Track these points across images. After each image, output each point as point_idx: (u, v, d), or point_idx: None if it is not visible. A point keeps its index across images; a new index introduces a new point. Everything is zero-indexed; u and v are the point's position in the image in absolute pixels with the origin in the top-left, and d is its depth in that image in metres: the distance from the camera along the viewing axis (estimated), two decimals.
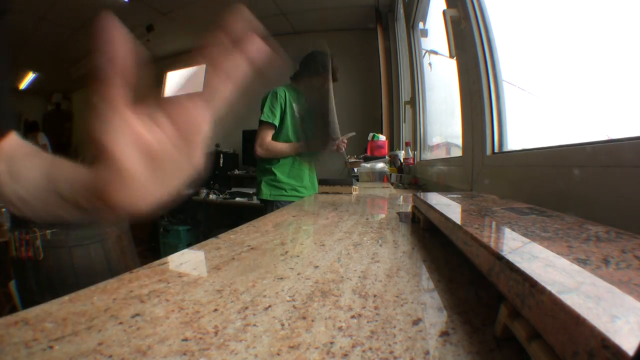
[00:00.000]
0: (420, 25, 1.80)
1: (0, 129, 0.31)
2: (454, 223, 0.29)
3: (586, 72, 0.58)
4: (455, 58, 1.01)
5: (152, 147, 0.21)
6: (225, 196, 3.14)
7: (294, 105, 1.67)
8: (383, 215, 0.62)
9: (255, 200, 2.71)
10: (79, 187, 0.26)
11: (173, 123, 0.22)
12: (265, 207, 1.69)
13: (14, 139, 0.33)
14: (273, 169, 1.55)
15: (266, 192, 1.59)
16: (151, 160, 0.21)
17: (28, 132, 4.14)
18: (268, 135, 1.57)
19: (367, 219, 0.57)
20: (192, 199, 3.25)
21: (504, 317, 0.17)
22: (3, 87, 0.34)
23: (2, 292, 1.66)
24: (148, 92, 0.23)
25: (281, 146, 1.60)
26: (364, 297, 0.24)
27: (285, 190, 1.58)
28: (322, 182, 1.24)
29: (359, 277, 0.28)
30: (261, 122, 1.57)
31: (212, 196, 3.15)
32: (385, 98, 2.83)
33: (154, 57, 4.24)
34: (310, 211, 0.68)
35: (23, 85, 4.54)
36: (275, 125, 1.60)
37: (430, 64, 1.74)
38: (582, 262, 0.17)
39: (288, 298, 0.24)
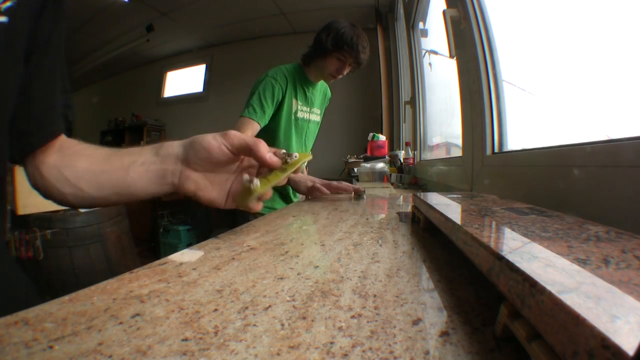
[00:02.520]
0: (420, 25, 1.80)
1: (53, 130, 0.38)
2: (454, 223, 0.29)
3: (586, 72, 0.58)
4: (455, 58, 1.01)
5: None
6: None
7: (295, 101, 1.22)
8: (383, 215, 0.62)
9: None
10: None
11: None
12: (235, 218, 1.21)
13: (65, 139, 0.41)
14: None
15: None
16: None
17: None
18: (248, 130, 1.09)
19: (367, 219, 0.57)
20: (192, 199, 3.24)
21: (504, 317, 0.17)
22: (54, 89, 0.40)
23: None
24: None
25: None
26: (364, 297, 0.24)
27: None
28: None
29: (359, 277, 0.28)
30: (241, 116, 1.09)
31: None
32: (385, 98, 2.83)
33: (154, 57, 4.25)
34: (310, 211, 0.68)
35: None
36: (259, 125, 1.11)
37: (430, 64, 1.74)
38: (582, 262, 0.17)
39: (288, 298, 0.24)
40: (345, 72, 1.19)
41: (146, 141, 4.05)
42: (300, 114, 1.25)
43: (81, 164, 0.39)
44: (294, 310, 0.22)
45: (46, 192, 0.39)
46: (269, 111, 1.12)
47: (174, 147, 0.40)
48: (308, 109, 1.29)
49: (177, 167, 0.39)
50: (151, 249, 3.18)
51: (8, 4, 0.31)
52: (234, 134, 0.39)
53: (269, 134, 1.17)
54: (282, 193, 1.27)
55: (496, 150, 0.81)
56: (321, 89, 1.35)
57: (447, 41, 0.98)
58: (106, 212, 1.55)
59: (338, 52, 1.13)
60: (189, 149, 0.39)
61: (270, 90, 1.11)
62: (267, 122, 1.13)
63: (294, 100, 1.21)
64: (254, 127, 1.09)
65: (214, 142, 0.38)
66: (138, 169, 0.39)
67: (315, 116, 1.35)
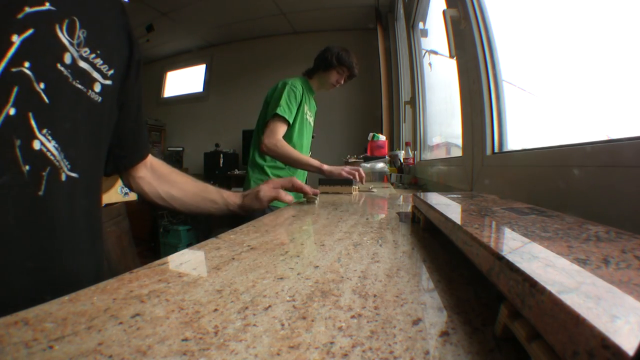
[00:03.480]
0: (420, 25, 1.79)
1: (140, 155, 0.58)
2: (454, 223, 0.29)
3: (586, 72, 0.58)
4: (455, 58, 1.01)
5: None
6: None
7: (306, 106, 1.46)
8: (383, 215, 0.62)
9: None
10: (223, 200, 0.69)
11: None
12: (252, 212, 1.41)
13: (153, 159, 0.63)
14: (266, 168, 1.37)
15: None
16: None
17: None
18: (281, 130, 1.31)
19: (367, 219, 0.57)
20: None
21: (504, 317, 0.17)
22: (141, 125, 0.58)
23: None
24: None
25: (294, 152, 1.32)
26: (364, 297, 0.24)
27: None
28: (322, 182, 1.19)
29: (359, 277, 0.28)
30: (275, 115, 1.30)
31: None
32: (385, 98, 2.83)
33: (154, 57, 4.25)
34: (310, 211, 0.68)
35: None
36: (290, 124, 1.35)
37: (430, 64, 1.74)
38: (582, 262, 0.17)
39: (288, 298, 0.24)
40: (342, 82, 1.52)
41: None
42: (307, 117, 1.51)
43: (174, 192, 0.64)
44: (294, 310, 0.22)
45: (139, 194, 0.61)
46: (294, 112, 1.38)
47: (236, 206, 0.70)
48: (310, 113, 1.56)
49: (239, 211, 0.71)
50: (151, 249, 3.18)
51: (112, 71, 0.43)
52: (265, 199, 0.70)
53: (292, 127, 1.40)
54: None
55: (496, 150, 0.81)
56: (313, 101, 1.64)
57: (447, 41, 0.98)
58: (106, 212, 1.55)
59: (339, 67, 1.46)
60: (243, 207, 0.71)
61: (293, 95, 1.37)
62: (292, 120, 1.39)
63: (305, 105, 1.47)
64: (285, 127, 1.34)
65: (256, 206, 0.70)
66: (216, 210, 0.69)
67: (312, 120, 1.62)
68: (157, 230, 3.19)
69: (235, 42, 3.91)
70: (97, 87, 0.40)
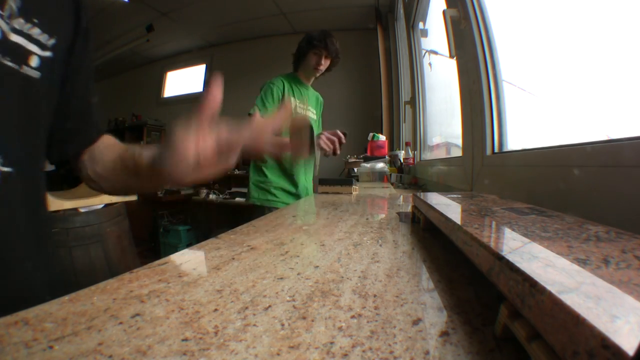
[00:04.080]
0: (420, 25, 1.79)
1: (95, 135, 0.49)
2: (454, 223, 0.29)
3: (586, 72, 0.58)
4: (455, 58, 1.01)
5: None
6: (225, 196, 3.14)
7: (292, 98, 1.47)
8: (383, 215, 0.62)
9: None
10: (144, 164, 0.41)
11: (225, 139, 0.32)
12: (252, 213, 1.43)
13: (106, 137, 0.51)
14: (264, 169, 1.37)
15: (255, 196, 1.38)
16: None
17: None
18: None
19: (367, 219, 0.57)
20: (192, 199, 3.25)
21: (504, 317, 0.17)
22: (89, 104, 0.49)
23: None
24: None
25: None
26: (364, 297, 0.24)
27: (276, 196, 1.38)
28: (322, 182, 1.18)
29: (359, 277, 0.28)
30: (249, 116, 1.29)
31: (212, 196, 3.15)
32: (385, 98, 2.83)
33: (154, 57, 4.25)
34: (310, 211, 0.68)
35: None
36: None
37: (430, 64, 1.74)
38: (582, 262, 0.17)
39: (288, 298, 0.24)
40: (324, 63, 1.46)
41: (146, 141, 4.05)
42: (299, 110, 1.49)
43: (99, 169, 0.48)
44: (294, 310, 0.22)
45: (86, 183, 0.50)
46: (270, 106, 1.37)
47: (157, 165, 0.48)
48: (304, 106, 1.54)
49: None
50: (151, 249, 3.18)
51: (52, 41, 0.37)
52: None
53: None
54: (290, 191, 1.45)
55: (496, 150, 0.81)
56: (314, 94, 1.63)
57: (447, 41, 0.98)
58: (106, 212, 1.55)
59: (313, 49, 1.43)
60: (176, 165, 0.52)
61: (269, 92, 1.39)
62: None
63: (292, 98, 1.47)
64: None
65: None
66: (144, 180, 0.47)
67: (312, 114, 1.59)
68: (157, 230, 3.20)
69: (235, 42, 3.91)
70: (34, 61, 0.35)
